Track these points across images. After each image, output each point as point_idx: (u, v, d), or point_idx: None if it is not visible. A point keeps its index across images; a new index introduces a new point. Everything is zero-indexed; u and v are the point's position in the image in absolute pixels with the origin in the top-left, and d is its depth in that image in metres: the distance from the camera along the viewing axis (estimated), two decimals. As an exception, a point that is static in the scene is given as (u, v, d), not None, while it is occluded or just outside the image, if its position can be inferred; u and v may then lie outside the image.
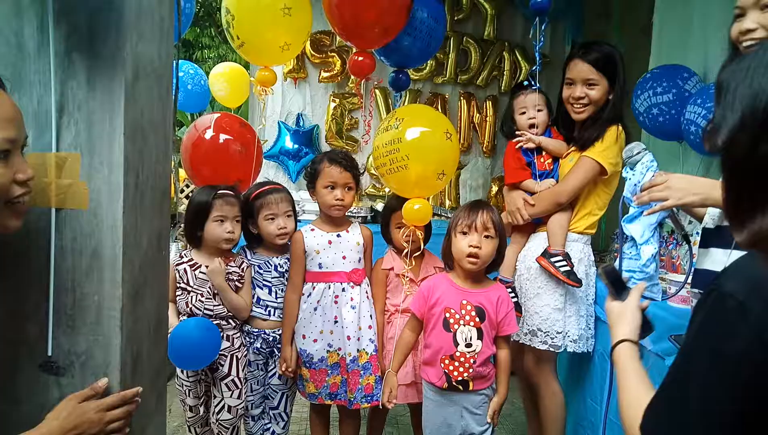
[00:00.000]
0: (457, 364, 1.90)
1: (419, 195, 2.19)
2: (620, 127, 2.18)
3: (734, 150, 0.70)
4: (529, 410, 2.50)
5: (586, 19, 4.43)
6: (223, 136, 2.28)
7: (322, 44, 4.21)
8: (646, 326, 1.17)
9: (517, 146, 2.34)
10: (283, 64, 4.02)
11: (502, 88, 4.50)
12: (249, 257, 2.24)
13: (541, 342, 2.21)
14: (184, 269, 2.10)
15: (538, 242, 2.29)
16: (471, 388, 1.92)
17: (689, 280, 1.49)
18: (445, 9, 3.93)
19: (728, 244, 1.27)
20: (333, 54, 4.22)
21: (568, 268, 2.16)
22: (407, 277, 2.24)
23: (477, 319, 1.90)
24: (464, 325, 1.90)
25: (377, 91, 4.30)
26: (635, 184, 1.48)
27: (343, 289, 2.23)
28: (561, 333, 2.20)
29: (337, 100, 4.31)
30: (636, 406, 0.88)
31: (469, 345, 1.89)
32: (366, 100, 4.36)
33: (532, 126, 2.33)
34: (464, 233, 1.91)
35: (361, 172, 2.34)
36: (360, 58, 2.39)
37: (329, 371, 2.24)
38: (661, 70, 2.80)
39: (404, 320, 2.23)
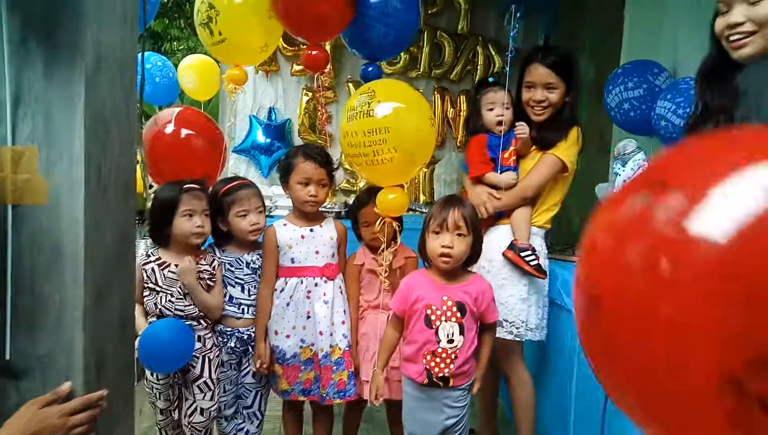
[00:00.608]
0: (438, 360, 1.89)
1: (393, 183, 2.13)
2: (579, 129, 2.30)
3: None
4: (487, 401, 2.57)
5: (560, 14, 4.45)
6: (184, 131, 2.20)
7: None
8: None
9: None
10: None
11: (476, 82, 4.51)
12: (218, 255, 2.19)
13: (506, 332, 2.25)
14: (152, 269, 2.03)
15: (498, 235, 2.31)
16: (451, 384, 1.92)
17: None
18: (419, 2, 3.90)
19: None
20: (305, 47, 4.15)
21: (537, 261, 2.21)
22: (385, 272, 2.20)
23: (458, 315, 1.90)
24: (446, 321, 1.89)
25: (350, 84, 4.26)
26: (624, 180, 1.48)
27: (316, 284, 2.20)
28: (524, 322, 2.26)
29: (310, 94, 4.26)
30: None
31: (451, 341, 1.89)
32: (340, 94, 4.31)
33: (499, 123, 2.33)
34: (436, 233, 1.90)
35: (336, 167, 2.31)
36: (313, 52, 2.34)
37: (302, 367, 2.21)
38: (632, 66, 2.82)
39: (377, 316, 2.21)
